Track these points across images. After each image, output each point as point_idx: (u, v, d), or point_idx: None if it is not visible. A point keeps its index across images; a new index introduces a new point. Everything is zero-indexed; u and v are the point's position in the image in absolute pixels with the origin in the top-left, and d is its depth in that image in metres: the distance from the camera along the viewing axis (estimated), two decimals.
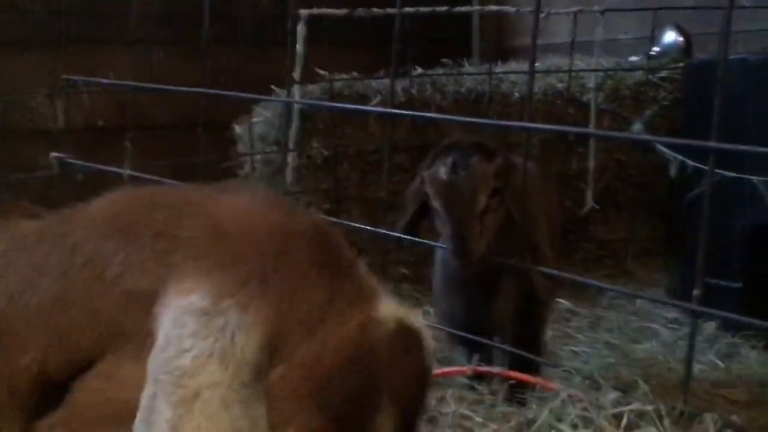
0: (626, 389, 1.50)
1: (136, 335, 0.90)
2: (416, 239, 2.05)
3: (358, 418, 0.88)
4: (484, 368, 1.91)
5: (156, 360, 0.85)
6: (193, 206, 0.98)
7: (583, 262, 3.55)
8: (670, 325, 3.05)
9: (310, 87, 3.24)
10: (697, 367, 2.67)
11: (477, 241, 1.82)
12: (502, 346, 1.99)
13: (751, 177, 2.78)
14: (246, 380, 0.84)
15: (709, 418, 1.32)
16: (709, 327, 2.90)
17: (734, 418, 1.34)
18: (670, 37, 3.84)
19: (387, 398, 0.89)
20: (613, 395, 1.42)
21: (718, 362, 2.63)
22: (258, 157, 3.36)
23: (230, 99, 3.27)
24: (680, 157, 3.15)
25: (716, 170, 3.04)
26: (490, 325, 2.12)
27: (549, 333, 2.53)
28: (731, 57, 3.15)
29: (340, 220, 3.21)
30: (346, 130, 3.21)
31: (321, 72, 3.31)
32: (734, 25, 3.83)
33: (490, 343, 2.08)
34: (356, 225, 2.07)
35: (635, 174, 3.52)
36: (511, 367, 1.92)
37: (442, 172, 1.86)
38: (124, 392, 0.86)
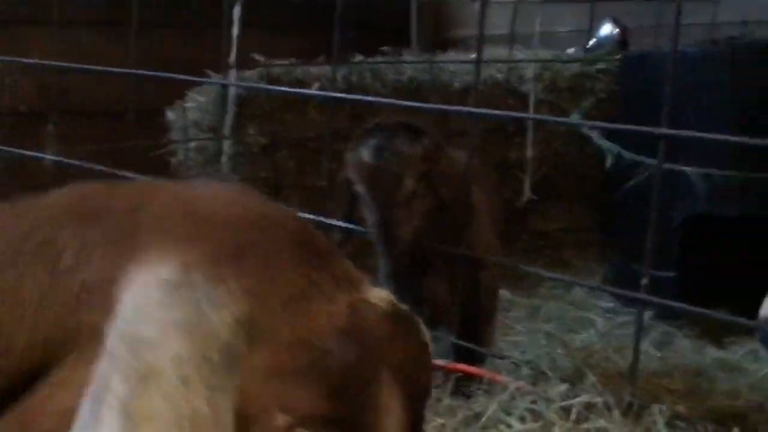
0: (574, 381, 1.48)
1: (95, 332, 0.78)
2: (358, 228, 1.97)
3: (358, 396, 0.79)
4: None
5: (114, 332, 0.74)
6: (159, 190, 0.89)
7: (522, 253, 3.56)
8: (606, 315, 3.09)
9: (247, 72, 3.14)
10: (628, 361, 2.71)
11: (403, 228, 1.72)
12: (452, 339, 1.95)
13: (685, 168, 2.83)
14: (215, 359, 0.74)
15: (657, 409, 1.32)
16: (644, 316, 2.94)
17: (680, 408, 1.33)
18: (606, 29, 3.88)
19: (390, 376, 0.81)
20: (562, 387, 1.40)
21: (654, 352, 2.67)
22: (192, 144, 3.24)
23: (164, 84, 3.15)
24: (617, 147, 3.19)
25: (653, 161, 3.11)
26: (432, 316, 2.08)
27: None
28: (669, 50, 3.20)
29: None
30: (284, 116, 3.13)
31: (258, 57, 3.21)
32: (667, 18, 3.90)
33: (433, 333, 2.04)
34: (301, 214, 1.99)
35: (573, 164, 3.54)
36: (457, 359, 1.88)
37: (366, 155, 1.74)
38: (79, 399, 0.74)
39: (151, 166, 3.02)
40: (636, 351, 1.38)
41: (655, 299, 1.43)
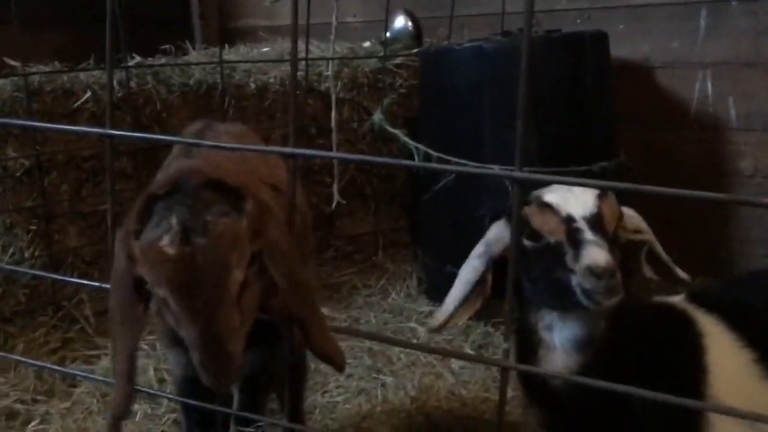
0: None
1: None
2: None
3: None
4: None
5: None
6: None
7: (333, 260, 3.38)
8: (425, 320, 3.00)
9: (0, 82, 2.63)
10: (456, 364, 2.64)
11: (237, 342, 1.14)
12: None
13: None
14: None
15: None
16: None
17: None
18: (400, 22, 3.77)
19: None
20: None
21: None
22: None
23: None
24: (423, 147, 3.09)
25: (460, 161, 3.04)
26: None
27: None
28: (466, 45, 3.15)
29: (51, 242, 2.68)
30: (50, 134, 2.65)
31: (12, 62, 2.69)
32: (458, 10, 3.85)
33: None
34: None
35: (378, 165, 3.41)
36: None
37: (167, 241, 1.14)
38: None
39: None
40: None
41: (521, 366, 1.27)
